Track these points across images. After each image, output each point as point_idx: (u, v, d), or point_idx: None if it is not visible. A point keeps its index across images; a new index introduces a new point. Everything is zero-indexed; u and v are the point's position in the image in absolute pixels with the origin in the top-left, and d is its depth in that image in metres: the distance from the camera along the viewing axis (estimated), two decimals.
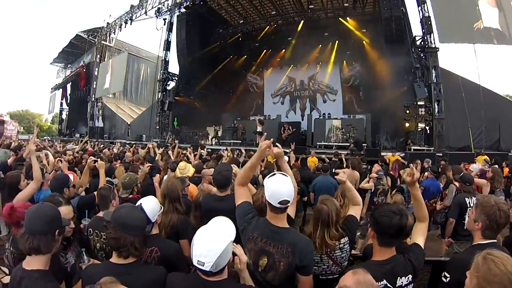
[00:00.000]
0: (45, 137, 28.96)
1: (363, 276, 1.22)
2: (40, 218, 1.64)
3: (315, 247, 2.15)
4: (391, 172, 6.69)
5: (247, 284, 1.67)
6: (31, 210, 1.71)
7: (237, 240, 1.74)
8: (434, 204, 4.94)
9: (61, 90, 34.83)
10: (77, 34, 28.51)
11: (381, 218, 1.72)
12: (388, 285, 1.66)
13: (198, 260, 1.43)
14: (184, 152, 7.54)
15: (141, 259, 1.82)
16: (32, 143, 3.61)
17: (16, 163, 5.12)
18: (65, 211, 2.04)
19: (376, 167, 6.03)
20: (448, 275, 1.76)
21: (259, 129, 15.82)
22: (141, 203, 2.08)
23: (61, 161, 4.36)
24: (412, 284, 1.74)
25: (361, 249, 3.63)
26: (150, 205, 2.09)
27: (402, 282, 1.69)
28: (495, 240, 1.90)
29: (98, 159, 3.91)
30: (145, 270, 1.71)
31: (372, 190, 5.44)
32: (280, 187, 1.79)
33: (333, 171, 6.55)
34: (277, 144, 2.38)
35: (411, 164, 2.50)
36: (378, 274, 1.64)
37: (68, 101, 33.82)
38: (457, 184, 4.91)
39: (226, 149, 6.35)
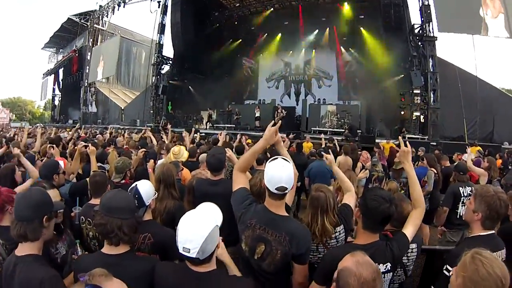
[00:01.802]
0: (38, 124, 28.53)
1: (361, 257, 1.26)
2: (25, 204, 1.60)
3: (314, 236, 2.14)
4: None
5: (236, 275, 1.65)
6: (19, 195, 1.67)
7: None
8: None
9: (53, 75, 34.09)
10: (68, 18, 27.60)
11: (370, 201, 1.69)
12: None
13: (183, 247, 1.37)
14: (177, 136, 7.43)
15: (134, 249, 1.75)
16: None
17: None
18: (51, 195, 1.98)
19: (364, 154, 6.01)
20: (450, 269, 1.71)
21: (257, 114, 15.87)
22: (136, 185, 2.03)
23: (52, 147, 4.27)
24: (391, 273, 1.72)
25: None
26: (146, 187, 2.04)
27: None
28: (494, 231, 1.87)
29: (89, 144, 3.82)
30: (137, 261, 1.64)
31: (367, 177, 5.43)
32: (279, 172, 1.75)
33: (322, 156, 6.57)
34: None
35: (399, 137, 2.48)
36: None
37: (61, 87, 33.15)
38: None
39: (220, 134, 6.26)
